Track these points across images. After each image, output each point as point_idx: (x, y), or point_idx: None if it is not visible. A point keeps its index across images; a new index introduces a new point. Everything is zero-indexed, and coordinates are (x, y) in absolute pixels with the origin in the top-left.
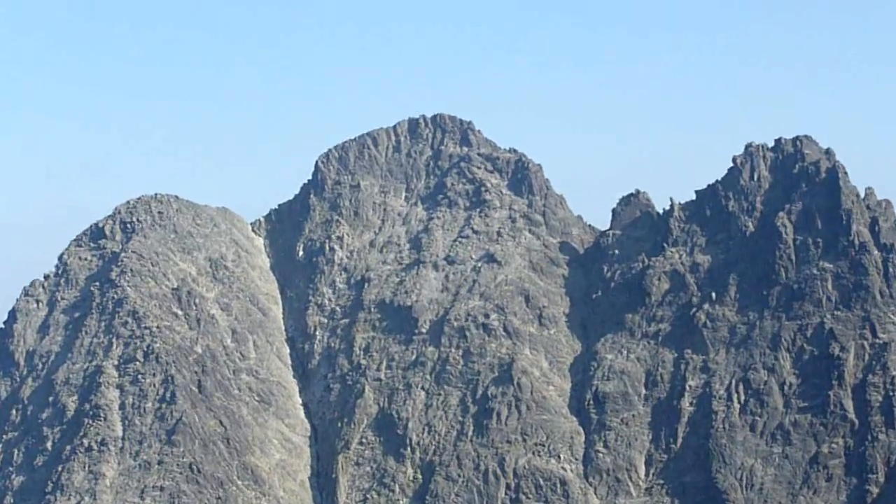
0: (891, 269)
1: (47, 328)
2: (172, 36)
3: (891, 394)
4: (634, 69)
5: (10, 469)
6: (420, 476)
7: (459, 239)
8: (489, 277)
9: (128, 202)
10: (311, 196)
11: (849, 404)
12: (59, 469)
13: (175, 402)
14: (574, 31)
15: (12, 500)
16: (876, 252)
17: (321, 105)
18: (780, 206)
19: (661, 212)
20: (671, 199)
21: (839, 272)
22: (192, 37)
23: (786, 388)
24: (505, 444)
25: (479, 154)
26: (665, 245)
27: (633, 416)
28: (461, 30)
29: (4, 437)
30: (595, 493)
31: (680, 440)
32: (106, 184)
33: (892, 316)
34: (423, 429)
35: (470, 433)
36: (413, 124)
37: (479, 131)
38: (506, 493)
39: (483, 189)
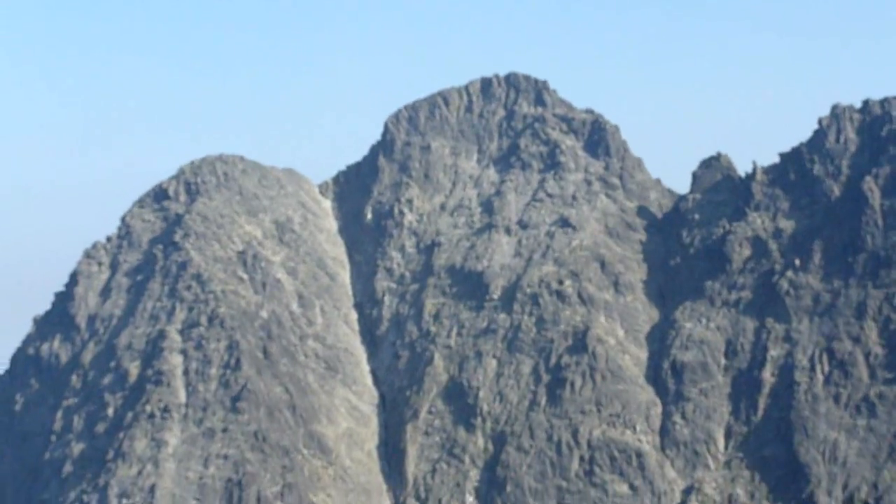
0: None
1: (109, 291)
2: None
3: None
4: (717, 27)
5: (70, 436)
6: (491, 446)
7: (533, 202)
8: (563, 242)
9: (192, 162)
10: (381, 157)
11: None
12: (121, 436)
13: (240, 369)
14: None
15: (72, 469)
16: None
17: (392, 64)
18: (867, 169)
19: (742, 175)
20: (754, 163)
21: None
22: (261, 2)
23: (871, 358)
24: (579, 415)
25: (553, 114)
26: (747, 210)
27: (713, 386)
28: None
29: (64, 403)
30: (672, 466)
31: (760, 412)
32: (170, 144)
33: None
34: (495, 398)
35: (542, 403)
36: (486, 84)
37: (553, 91)
38: (579, 465)
39: (558, 151)
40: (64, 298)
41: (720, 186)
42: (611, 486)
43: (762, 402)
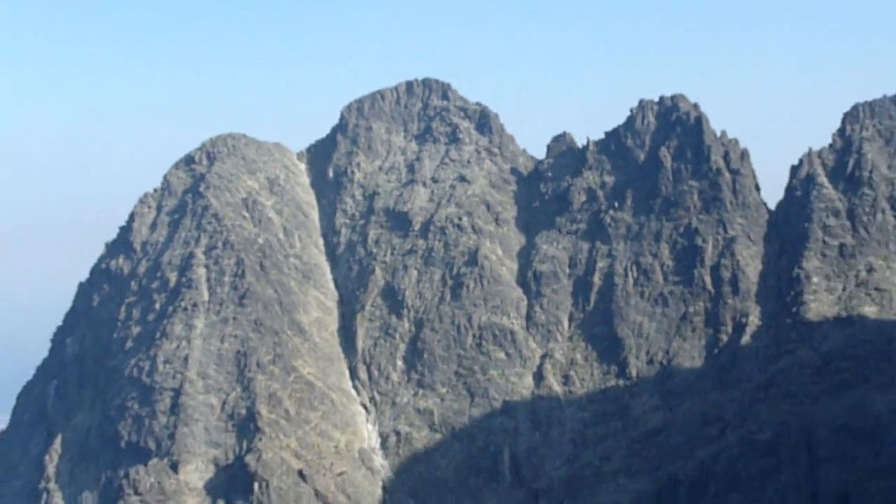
0: (737, 187)
1: (156, 225)
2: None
3: (735, 272)
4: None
5: (130, 322)
6: (413, 328)
7: (441, 165)
8: (461, 192)
9: (211, 138)
10: (338, 135)
11: (707, 279)
12: (164, 323)
13: (244, 277)
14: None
15: (132, 344)
16: (727, 174)
17: (349, 69)
18: (662, 142)
19: (580, 146)
20: (587, 138)
21: (702, 188)
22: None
23: (664, 268)
24: (472, 307)
25: (455, 106)
26: (583, 169)
27: (560, 287)
28: (448, 12)
29: (126, 300)
30: (533, 340)
31: (591, 304)
32: (197, 124)
33: (738, 219)
34: (415, 296)
35: (448, 299)
36: (409, 85)
37: (455, 90)
38: (472, 340)
39: (457, 130)
40: (126, 231)
41: (565, 154)
42: (493, 353)
43: (592, 297)
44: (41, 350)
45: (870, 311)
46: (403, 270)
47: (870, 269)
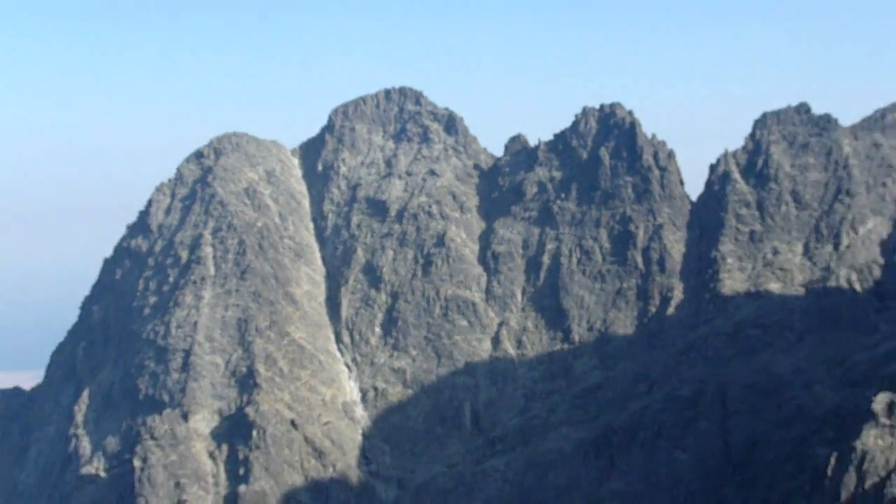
0: (664, 182)
1: (170, 210)
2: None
3: (662, 254)
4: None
5: (148, 293)
6: (390, 300)
7: (414, 161)
8: (431, 184)
9: (218, 136)
10: (326, 134)
11: (639, 260)
12: (177, 293)
13: (245, 255)
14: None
15: (149, 311)
16: (656, 171)
17: (335, 79)
18: (602, 143)
19: (533, 146)
20: (539, 139)
21: (635, 183)
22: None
23: (602, 249)
24: (439, 282)
25: (426, 111)
26: (534, 166)
27: (514, 265)
28: (425, 28)
29: (144, 274)
30: (492, 310)
31: (541, 280)
32: (207, 122)
33: (665, 209)
34: (392, 272)
35: (419, 275)
36: (387, 92)
37: (426, 97)
38: (440, 310)
39: (428, 132)
40: (144, 214)
41: (519, 152)
42: (457, 321)
43: (542, 274)
44: (72, 316)
45: (774, 287)
46: (381, 250)
47: (775, 252)
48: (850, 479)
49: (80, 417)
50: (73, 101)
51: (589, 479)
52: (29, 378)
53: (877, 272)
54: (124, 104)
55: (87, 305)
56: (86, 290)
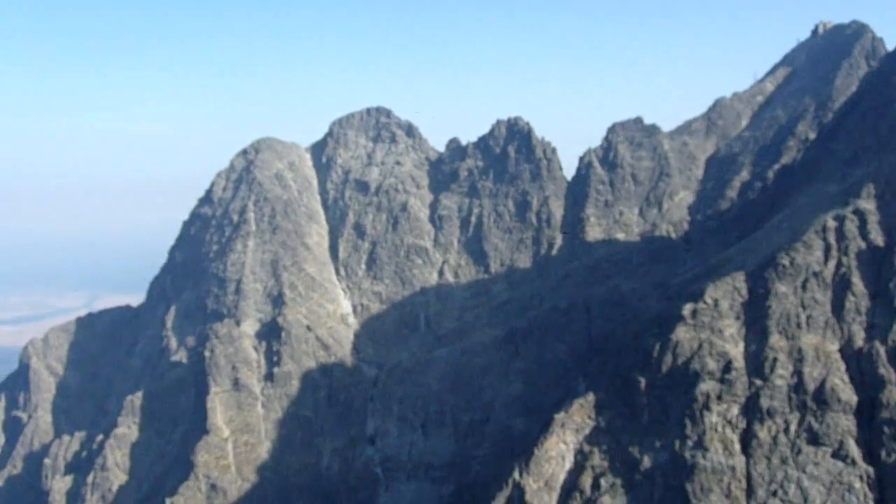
0: (550, 168)
1: (225, 188)
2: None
3: (549, 215)
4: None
5: (212, 243)
6: (371, 246)
7: (386, 155)
8: (398, 170)
9: (257, 140)
10: (328, 138)
11: (534, 219)
12: (231, 243)
13: (275, 218)
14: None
15: (213, 255)
16: (545, 161)
17: (332, 101)
18: (509, 143)
19: (464, 145)
20: (468, 141)
21: (531, 169)
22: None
23: (510, 213)
24: (403, 235)
25: (393, 122)
26: (466, 158)
27: (453, 224)
28: (390, 55)
29: (209, 231)
30: (437, 254)
31: (470, 233)
32: (250, 128)
33: (550, 186)
34: (370, 229)
35: (390, 230)
36: (368, 110)
37: (391, 111)
38: (403, 254)
39: (395, 136)
40: (209, 192)
41: (456, 150)
42: (415, 260)
43: (471, 230)
44: (163, 258)
45: (620, 236)
46: (365, 214)
47: (621, 214)
48: (668, 359)
49: (169, 324)
50: (166, 114)
51: (501, 361)
52: (136, 299)
53: (685, 226)
54: (203, 120)
55: (172, 252)
56: (171, 241)
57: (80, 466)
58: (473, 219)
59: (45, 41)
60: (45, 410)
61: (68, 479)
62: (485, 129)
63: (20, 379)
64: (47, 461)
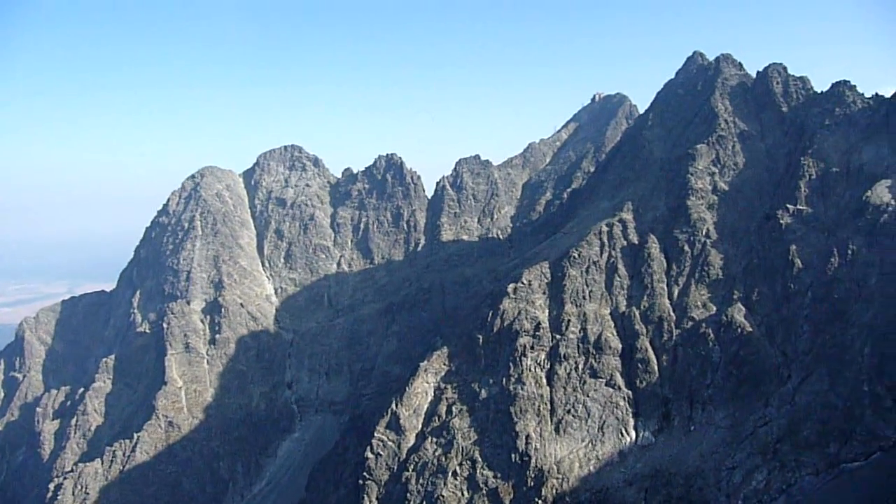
0: (416, 189)
1: (179, 202)
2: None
3: (416, 222)
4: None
5: (168, 243)
6: (287, 245)
7: (298, 180)
8: (307, 190)
9: (202, 167)
10: (256, 166)
11: (405, 225)
12: (182, 244)
13: (216, 225)
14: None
15: (168, 252)
16: (412, 185)
17: (261, 137)
18: (387, 172)
19: (355, 173)
20: (359, 170)
21: (403, 189)
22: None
23: (389, 224)
24: (312, 236)
25: (304, 154)
26: (357, 183)
27: (347, 229)
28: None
29: (166, 234)
30: (336, 250)
31: (360, 234)
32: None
33: (416, 202)
34: (289, 232)
35: (302, 234)
36: (285, 147)
37: (303, 148)
38: (311, 251)
39: (305, 165)
40: (166, 204)
41: (349, 177)
42: (320, 255)
43: (360, 233)
44: (130, 254)
45: (465, 237)
46: (283, 222)
47: (465, 222)
48: (498, 322)
49: (135, 304)
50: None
51: (382, 326)
52: (109, 286)
53: (509, 230)
54: (164, 146)
55: (138, 250)
56: (137, 242)
57: (66, 413)
58: (362, 226)
59: None
60: (36, 371)
61: (56, 423)
62: (370, 162)
63: (17, 348)
64: (39, 409)
